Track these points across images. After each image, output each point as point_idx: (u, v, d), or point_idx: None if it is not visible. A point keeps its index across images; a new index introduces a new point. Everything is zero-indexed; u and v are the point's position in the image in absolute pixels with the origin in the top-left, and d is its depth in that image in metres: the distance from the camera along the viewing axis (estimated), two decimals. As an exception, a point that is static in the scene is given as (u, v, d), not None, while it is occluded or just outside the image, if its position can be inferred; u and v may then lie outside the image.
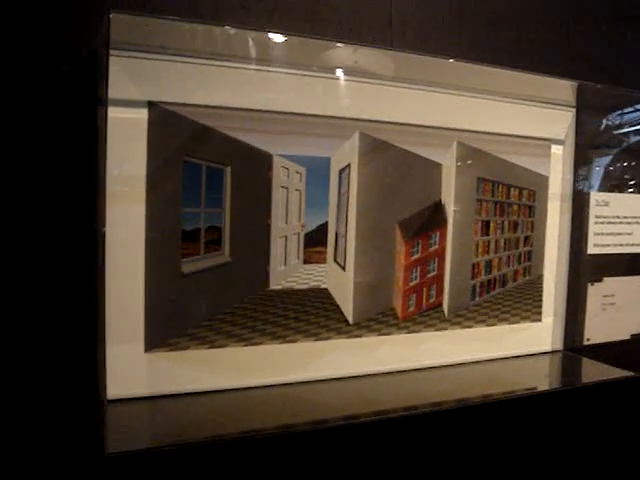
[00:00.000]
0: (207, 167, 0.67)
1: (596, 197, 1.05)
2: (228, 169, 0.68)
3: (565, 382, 0.96)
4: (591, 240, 1.06)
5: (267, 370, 0.77)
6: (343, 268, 0.77)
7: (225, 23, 0.70)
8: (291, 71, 0.71)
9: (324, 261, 0.75)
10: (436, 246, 0.83)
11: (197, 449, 0.68)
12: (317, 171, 0.72)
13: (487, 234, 0.87)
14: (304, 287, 0.73)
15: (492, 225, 0.87)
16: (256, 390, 0.77)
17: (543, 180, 0.92)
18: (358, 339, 0.82)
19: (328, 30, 0.79)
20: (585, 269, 1.05)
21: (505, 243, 0.89)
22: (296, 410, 0.76)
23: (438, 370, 0.91)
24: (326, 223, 0.73)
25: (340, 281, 0.77)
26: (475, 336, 0.92)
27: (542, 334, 0.99)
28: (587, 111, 1.00)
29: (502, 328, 0.94)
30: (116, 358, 0.69)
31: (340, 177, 0.74)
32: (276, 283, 0.72)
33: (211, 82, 0.70)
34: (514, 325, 0.96)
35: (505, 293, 0.92)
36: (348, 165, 0.75)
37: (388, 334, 0.84)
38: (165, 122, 0.68)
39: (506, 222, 0.89)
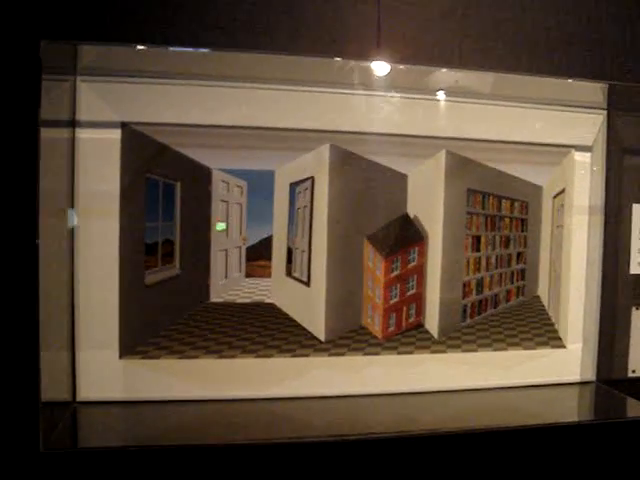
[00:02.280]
0: (163, 182, 0.70)
1: (640, 210, 0.92)
2: (178, 184, 0.70)
3: (587, 417, 0.85)
4: (635, 258, 0.93)
5: (246, 384, 0.77)
6: (307, 284, 0.75)
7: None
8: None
9: (268, 275, 0.74)
10: (414, 262, 0.78)
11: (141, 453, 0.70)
12: (260, 185, 0.71)
13: (478, 250, 0.80)
14: (247, 301, 0.73)
15: (483, 240, 0.80)
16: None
17: (536, 190, 0.83)
18: (342, 357, 0.80)
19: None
20: (627, 291, 0.93)
21: (497, 260, 0.81)
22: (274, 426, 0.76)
23: (439, 395, 0.85)
24: (270, 237, 0.73)
25: (302, 297, 0.75)
26: (481, 361, 0.85)
27: (568, 362, 0.89)
28: (621, 113, 0.89)
29: (516, 354, 0.86)
30: (90, 363, 0.74)
31: (293, 190, 0.73)
32: (217, 296, 0.72)
33: (176, 102, 0.73)
34: (530, 351, 0.87)
35: (500, 315, 0.83)
36: (310, 178, 0.73)
37: (375, 354, 0.81)
38: (132, 141, 0.72)
39: (497, 237, 0.81)
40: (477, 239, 0.79)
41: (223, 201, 0.71)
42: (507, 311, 0.83)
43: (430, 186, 0.78)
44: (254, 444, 0.73)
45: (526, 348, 0.86)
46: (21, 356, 0.67)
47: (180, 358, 0.75)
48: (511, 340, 0.84)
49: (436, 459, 0.79)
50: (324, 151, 0.75)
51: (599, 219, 0.89)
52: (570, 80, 0.85)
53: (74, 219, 0.74)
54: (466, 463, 0.82)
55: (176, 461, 0.71)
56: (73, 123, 0.73)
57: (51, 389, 0.72)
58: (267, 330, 0.75)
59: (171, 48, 0.71)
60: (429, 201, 0.78)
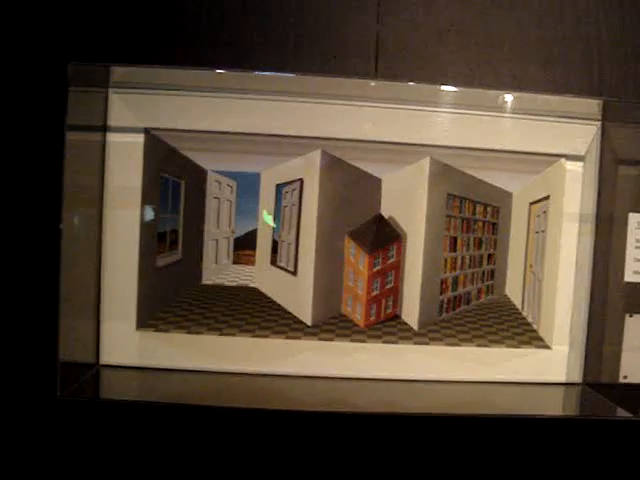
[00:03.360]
0: (172, 181, 0.82)
1: (637, 219, 0.94)
2: (183, 182, 0.82)
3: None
4: (630, 266, 0.95)
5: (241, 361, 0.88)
6: (293, 273, 0.84)
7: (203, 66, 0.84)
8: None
9: (252, 263, 0.84)
10: (393, 259, 0.85)
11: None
12: (248, 185, 0.82)
13: (454, 250, 0.86)
14: (233, 284, 0.83)
15: (459, 241, 0.86)
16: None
17: (507, 197, 0.87)
18: (330, 342, 0.88)
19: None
20: (620, 298, 0.95)
21: (470, 260, 0.87)
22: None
23: (425, 385, 0.92)
24: (255, 230, 0.83)
25: (288, 285, 0.85)
26: (468, 356, 0.90)
27: (553, 363, 0.92)
28: (615, 123, 0.91)
29: (501, 351, 0.91)
30: (112, 332, 0.88)
31: (279, 190, 0.83)
32: (208, 279, 0.83)
33: (188, 111, 0.84)
34: (514, 349, 0.91)
35: (473, 312, 0.89)
36: (298, 180, 0.83)
37: (362, 341, 0.89)
38: (151, 144, 0.85)
39: (472, 238, 0.86)
40: (454, 240, 0.86)
41: (215, 198, 0.82)
42: (481, 309, 0.88)
43: (410, 190, 0.85)
44: (248, 409, 0.83)
45: (509, 346, 0.91)
46: (46, 321, 0.81)
47: (187, 333, 0.87)
48: (492, 337, 0.89)
49: (417, 440, 0.86)
50: (315, 156, 0.84)
51: (590, 227, 0.92)
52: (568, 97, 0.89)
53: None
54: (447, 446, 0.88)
55: (177, 418, 0.83)
56: (105, 128, 0.87)
57: (78, 352, 0.87)
58: (257, 312, 0.85)
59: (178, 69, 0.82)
60: (409, 204, 0.85)
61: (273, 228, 0.84)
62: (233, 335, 0.87)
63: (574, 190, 0.91)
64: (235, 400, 0.84)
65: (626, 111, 0.91)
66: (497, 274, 0.88)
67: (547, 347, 0.92)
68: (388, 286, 0.86)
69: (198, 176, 0.83)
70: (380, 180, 0.85)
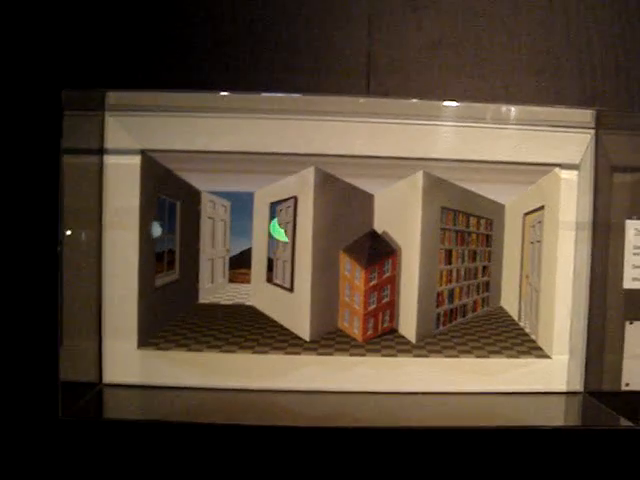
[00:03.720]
0: (168, 202, 0.83)
1: (636, 226, 0.94)
2: (179, 203, 0.83)
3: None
4: (628, 273, 0.95)
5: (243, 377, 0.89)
6: (290, 290, 0.85)
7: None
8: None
9: (248, 281, 0.85)
10: (388, 273, 0.86)
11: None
12: (242, 205, 0.83)
13: (450, 263, 0.86)
14: (229, 303, 0.84)
15: (454, 254, 0.86)
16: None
17: (499, 208, 0.88)
18: (329, 357, 0.89)
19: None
20: (620, 305, 0.95)
21: (465, 272, 0.87)
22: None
23: (426, 397, 0.92)
24: (250, 249, 0.84)
25: (284, 301, 0.86)
26: (467, 367, 0.91)
27: (554, 372, 0.92)
28: (609, 131, 0.91)
29: (500, 361, 0.91)
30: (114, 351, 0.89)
31: (274, 209, 0.84)
32: (204, 298, 0.84)
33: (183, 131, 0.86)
34: (514, 359, 0.91)
35: (470, 324, 0.89)
36: (292, 197, 0.84)
37: (361, 355, 0.89)
38: (147, 166, 0.86)
39: (466, 251, 0.87)
40: (449, 253, 0.86)
41: (210, 218, 0.83)
42: (477, 321, 0.89)
43: (403, 204, 0.86)
44: (249, 425, 0.84)
45: (509, 356, 0.91)
46: (48, 340, 0.82)
47: (187, 350, 0.88)
48: (490, 348, 0.89)
49: (418, 453, 0.86)
50: (309, 173, 0.85)
51: (587, 234, 0.93)
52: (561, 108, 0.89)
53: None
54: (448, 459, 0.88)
55: (179, 436, 0.84)
56: (102, 151, 0.88)
57: (81, 372, 0.88)
58: (255, 329, 0.86)
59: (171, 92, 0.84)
60: (403, 218, 0.86)
61: (281, 242, 0.85)
62: (233, 352, 0.88)
63: (570, 198, 0.92)
64: (236, 417, 0.85)
65: (619, 119, 0.91)
66: (492, 286, 0.89)
67: (547, 356, 0.92)
68: (384, 300, 0.86)
69: (193, 197, 0.84)
70: (372, 196, 0.85)
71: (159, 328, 0.87)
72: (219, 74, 0.88)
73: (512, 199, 0.88)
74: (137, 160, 0.87)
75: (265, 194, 0.84)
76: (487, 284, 0.89)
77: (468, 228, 0.86)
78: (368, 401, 0.89)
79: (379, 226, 0.86)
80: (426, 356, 0.89)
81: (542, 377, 0.92)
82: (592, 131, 0.91)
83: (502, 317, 0.89)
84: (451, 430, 0.87)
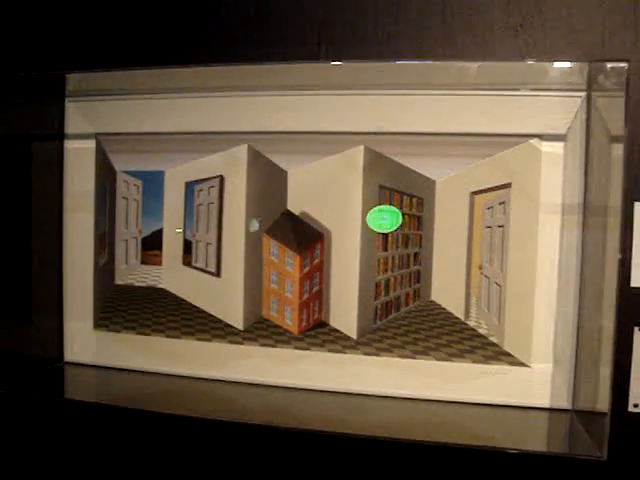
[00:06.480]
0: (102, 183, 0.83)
1: (647, 209, 0.75)
2: (108, 184, 0.83)
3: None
4: (638, 269, 0.77)
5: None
6: (216, 274, 0.80)
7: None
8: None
9: (159, 263, 0.81)
10: (318, 259, 0.77)
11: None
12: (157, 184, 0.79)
13: (386, 249, 0.75)
14: (142, 285, 0.81)
15: (390, 239, 0.74)
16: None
17: (430, 185, 0.73)
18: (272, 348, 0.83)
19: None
20: (625, 307, 0.76)
21: (399, 260, 0.75)
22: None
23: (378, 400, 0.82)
24: (161, 230, 0.80)
25: (210, 287, 0.81)
26: (430, 369, 0.79)
27: (533, 384, 0.77)
28: (606, 94, 0.74)
29: (466, 366, 0.78)
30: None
31: (190, 189, 0.79)
32: (120, 279, 0.82)
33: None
34: (483, 365, 0.78)
35: (407, 320, 0.76)
36: (218, 177, 0.79)
37: (306, 349, 0.82)
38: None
39: (400, 235, 0.74)
40: (385, 237, 0.75)
41: (124, 198, 0.81)
42: (413, 317, 0.76)
43: (333, 183, 0.76)
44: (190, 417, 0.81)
45: (475, 361, 0.78)
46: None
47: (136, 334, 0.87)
48: (446, 350, 0.77)
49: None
50: (240, 151, 0.79)
51: (576, 219, 0.76)
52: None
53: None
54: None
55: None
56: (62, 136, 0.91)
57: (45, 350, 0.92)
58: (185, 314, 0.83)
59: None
60: (332, 198, 0.77)
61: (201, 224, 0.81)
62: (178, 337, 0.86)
63: (553, 176, 0.76)
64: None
65: (617, 75, 0.73)
66: (423, 276, 0.76)
67: (524, 364, 0.77)
68: (315, 289, 0.78)
69: (112, 177, 0.83)
70: (286, 172, 0.77)
71: (101, 309, 0.88)
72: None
73: (448, 174, 0.74)
74: (92, 144, 0.89)
75: (179, 173, 0.81)
76: (418, 274, 0.76)
77: (402, 209, 0.75)
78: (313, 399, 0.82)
79: (295, 206, 0.78)
80: (377, 354, 0.79)
81: (517, 389, 0.77)
82: (583, 93, 0.75)
83: (440, 313, 0.75)
84: (402, 443, 0.76)
